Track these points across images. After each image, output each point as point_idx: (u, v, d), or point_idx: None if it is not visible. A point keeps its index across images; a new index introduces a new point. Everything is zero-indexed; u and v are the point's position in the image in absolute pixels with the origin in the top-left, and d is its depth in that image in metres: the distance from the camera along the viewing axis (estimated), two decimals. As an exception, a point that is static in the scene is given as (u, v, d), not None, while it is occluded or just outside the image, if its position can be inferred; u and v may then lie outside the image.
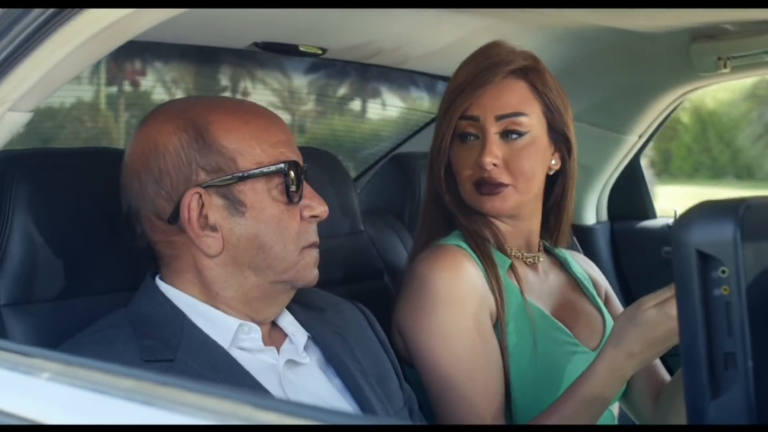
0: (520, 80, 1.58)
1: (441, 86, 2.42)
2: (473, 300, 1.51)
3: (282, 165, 1.25)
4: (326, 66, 2.33)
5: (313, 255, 1.31)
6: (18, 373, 0.98)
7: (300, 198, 1.28)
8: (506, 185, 1.56)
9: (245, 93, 2.43)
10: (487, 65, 1.57)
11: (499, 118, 1.56)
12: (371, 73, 2.39)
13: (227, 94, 2.42)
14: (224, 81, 2.39)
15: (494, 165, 1.54)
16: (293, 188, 1.26)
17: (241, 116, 1.27)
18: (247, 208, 1.25)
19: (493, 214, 1.59)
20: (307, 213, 1.29)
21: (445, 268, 1.52)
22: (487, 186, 1.56)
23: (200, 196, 1.23)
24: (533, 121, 1.58)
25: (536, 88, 1.59)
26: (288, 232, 1.27)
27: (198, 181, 1.24)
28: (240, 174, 1.24)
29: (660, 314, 1.32)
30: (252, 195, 1.25)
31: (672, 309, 1.31)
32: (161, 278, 1.30)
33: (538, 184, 1.60)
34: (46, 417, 0.91)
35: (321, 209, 1.29)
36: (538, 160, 1.58)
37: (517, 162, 1.56)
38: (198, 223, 1.24)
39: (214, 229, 1.24)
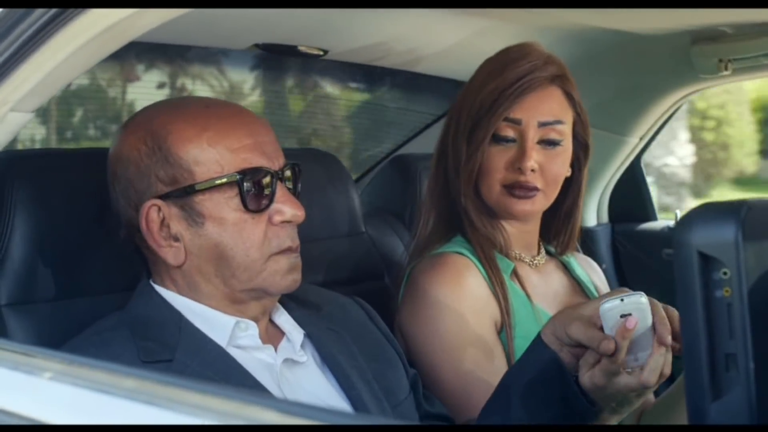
0: (557, 88, 1.59)
1: (378, 76, 2.39)
2: (476, 312, 1.51)
3: (237, 175, 1.22)
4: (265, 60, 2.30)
5: (287, 261, 1.27)
6: (20, 373, 0.98)
7: (269, 203, 1.25)
8: (539, 190, 1.57)
9: (182, 89, 2.40)
10: (530, 69, 1.56)
11: (541, 124, 1.56)
12: (311, 67, 2.36)
13: (166, 90, 2.39)
14: (163, 78, 2.37)
15: (532, 170, 1.55)
16: (260, 193, 1.24)
17: (201, 123, 1.24)
18: (205, 218, 1.23)
19: (522, 216, 1.60)
20: (277, 218, 1.26)
21: (446, 282, 1.52)
22: (521, 189, 1.56)
23: (159, 207, 1.24)
24: (567, 130, 1.60)
25: (571, 96, 1.60)
26: (250, 240, 1.24)
27: (156, 193, 1.24)
28: (195, 185, 1.23)
29: (591, 383, 1.18)
30: (210, 205, 1.23)
31: (596, 376, 1.17)
32: (153, 281, 1.31)
33: (558, 191, 1.62)
34: (48, 416, 0.91)
35: (292, 213, 1.26)
36: (566, 167, 1.61)
37: (551, 168, 1.57)
38: (160, 233, 1.24)
39: (176, 239, 1.24)
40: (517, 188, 1.56)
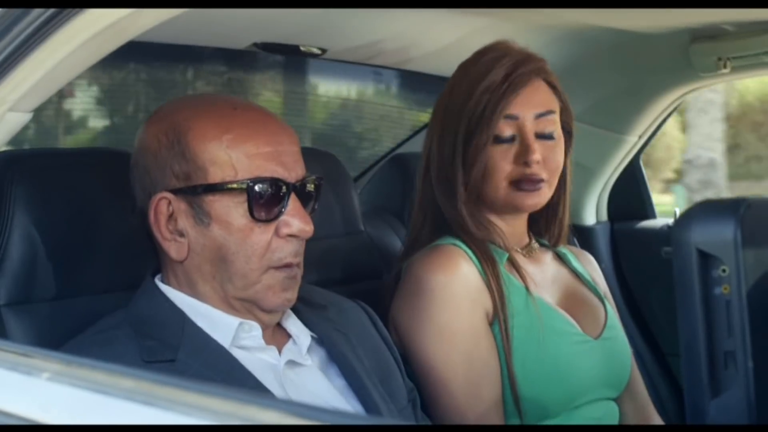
0: (542, 80, 1.61)
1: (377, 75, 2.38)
2: (468, 302, 1.52)
3: (248, 182, 1.22)
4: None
5: (283, 278, 1.26)
6: (18, 373, 0.98)
7: (279, 214, 1.24)
8: (544, 181, 1.59)
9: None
10: (514, 65, 1.58)
11: (537, 116, 1.59)
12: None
13: (96, 88, 2.37)
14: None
15: (537, 162, 1.57)
16: (270, 203, 1.23)
17: (224, 124, 1.24)
18: (212, 219, 1.23)
19: (530, 209, 1.62)
20: (284, 231, 1.25)
21: (440, 270, 1.53)
22: (529, 183, 1.58)
23: (169, 201, 1.24)
24: (558, 119, 1.62)
25: (555, 87, 1.63)
26: (252, 247, 1.24)
27: (169, 186, 1.24)
28: (206, 185, 1.23)
29: None
30: (219, 207, 1.23)
31: None
32: (161, 277, 1.30)
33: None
34: (46, 417, 0.91)
35: (299, 228, 1.25)
36: (563, 156, 1.64)
37: (552, 158, 1.60)
38: (167, 226, 1.24)
39: (181, 234, 1.25)
40: (525, 182, 1.58)
